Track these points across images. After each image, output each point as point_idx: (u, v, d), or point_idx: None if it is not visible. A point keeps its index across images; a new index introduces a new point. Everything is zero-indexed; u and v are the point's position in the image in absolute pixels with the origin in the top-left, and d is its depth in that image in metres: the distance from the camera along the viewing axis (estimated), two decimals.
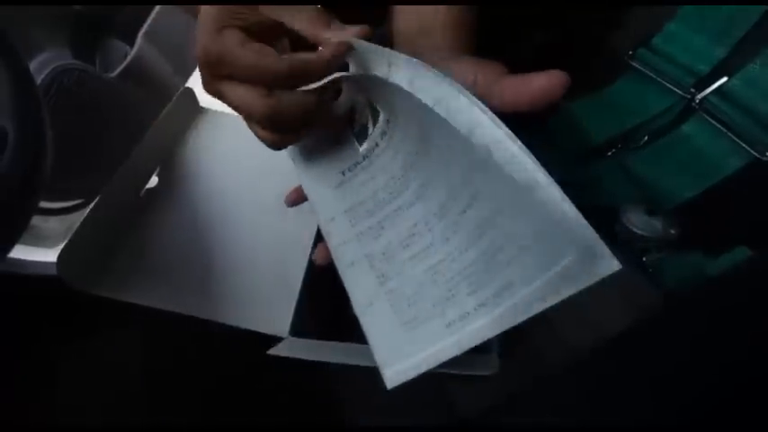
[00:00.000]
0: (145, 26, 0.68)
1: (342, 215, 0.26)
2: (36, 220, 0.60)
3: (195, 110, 0.43)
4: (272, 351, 0.29)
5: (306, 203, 0.38)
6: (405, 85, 0.21)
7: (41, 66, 0.56)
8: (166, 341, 0.49)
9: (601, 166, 0.46)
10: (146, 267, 0.34)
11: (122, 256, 0.34)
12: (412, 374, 0.22)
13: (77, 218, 0.70)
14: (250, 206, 0.39)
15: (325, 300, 0.35)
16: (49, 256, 0.62)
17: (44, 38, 0.58)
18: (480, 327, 0.20)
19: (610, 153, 0.46)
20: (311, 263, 0.35)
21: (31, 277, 0.54)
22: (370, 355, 0.30)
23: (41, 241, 0.66)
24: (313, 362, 0.33)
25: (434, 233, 0.22)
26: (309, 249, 0.36)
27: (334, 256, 0.26)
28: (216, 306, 0.33)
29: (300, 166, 0.29)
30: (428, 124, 0.21)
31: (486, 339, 0.20)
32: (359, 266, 0.25)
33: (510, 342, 0.36)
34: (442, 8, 0.28)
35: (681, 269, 0.38)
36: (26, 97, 0.24)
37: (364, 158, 0.26)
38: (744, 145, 0.36)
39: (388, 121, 0.25)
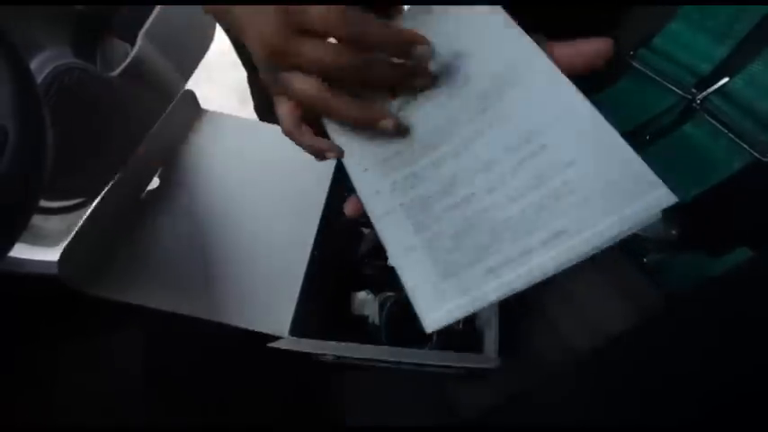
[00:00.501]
0: (146, 25, 0.68)
1: (376, 165, 0.27)
2: (36, 220, 0.60)
3: (196, 112, 0.43)
4: (272, 344, 0.29)
5: (305, 206, 0.38)
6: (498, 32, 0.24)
7: (42, 65, 0.56)
8: (166, 341, 0.49)
9: None
10: (146, 268, 0.34)
11: (123, 257, 0.34)
12: (451, 319, 0.22)
13: (78, 217, 0.70)
14: (250, 207, 0.39)
15: (324, 300, 0.35)
16: (50, 255, 0.62)
17: (45, 37, 0.58)
18: (523, 273, 0.21)
19: None
20: (311, 263, 0.35)
21: (31, 276, 0.54)
22: (368, 351, 0.30)
23: (42, 240, 0.66)
24: (313, 362, 0.33)
25: (478, 183, 0.23)
26: (309, 250, 0.36)
27: (366, 206, 0.26)
28: (216, 306, 0.33)
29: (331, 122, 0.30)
30: (502, 81, 0.24)
31: (527, 286, 0.21)
32: (394, 216, 0.25)
33: (510, 342, 0.36)
34: None
35: (681, 270, 0.38)
36: (27, 96, 0.24)
37: (398, 111, 0.27)
38: (745, 145, 0.36)
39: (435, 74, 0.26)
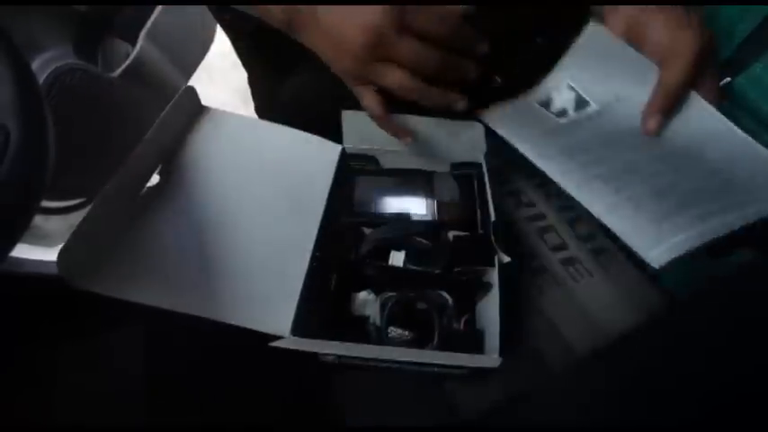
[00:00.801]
0: (147, 26, 0.68)
1: (558, 154, 0.33)
2: (37, 219, 0.60)
3: (197, 108, 0.42)
4: (274, 343, 0.29)
5: (306, 205, 0.38)
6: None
7: (43, 65, 0.56)
8: (167, 340, 0.49)
9: None
10: (146, 266, 0.34)
11: (123, 255, 0.34)
12: (674, 255, 0.26)
13: (78, 217, 0.70)
14: (251, 204, 0.39)
15: (325, 300, 0.35)
16: (50, 254, 0.62)
17: (47, 37, 0.58)
18: (718, 225, 0.27)
19: None
20: (312, 263, 0.35)
21: (31, 276, 0.54)
22: (370, 350, 0.30)
23: (42, 240, 0.66)
24: (314, 363, 0.33)
25: (661, 168, 0.31)
26: (311, 249, 0.36)
27: (560, 183, 0.32)
28: (216, 305, 0.33)
29: (504, 126, 0.37)
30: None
31: (724, 234, 0.27)
32: (589, 185, 0.30)
33: (511, 342, 0.36)
34: None
35: (683, 270, 0.38)
36: (29, 96, 0.24)
37: (567, 126, 0.35)
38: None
39: (598, 111, 0.35)
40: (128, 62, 0.66)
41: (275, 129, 0.43)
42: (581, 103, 0.36)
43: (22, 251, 0.56)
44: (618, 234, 0.28)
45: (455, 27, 0.32)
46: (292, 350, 0.29)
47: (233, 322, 0.32)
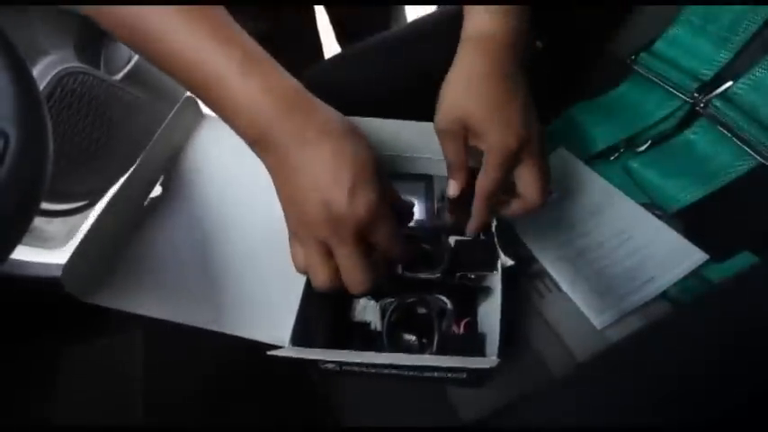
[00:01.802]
0: None
1: (533, 231, 0.43)
2: (39, 222, 0.60)
3: (197, 117, 0.42)
4: (272, 352, 0.29)
5: None
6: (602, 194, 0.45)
7: (46, 69, 0.57)
8: (167, 344, 0.49)
9: (606, 170, 0.46)
10: (150, 278, 0.34)
11: (127, 267, 0.34)
12: (609, 321, 0.37)
13: (80, 220, 0.71)
14: (252, 213, 0.39)
15: (325, 308, 0.35)
16: (52, 257, 0.62)
17: (49, 41, 0.59)
18: (637, 299, 0.37)
19: (613, 157, 0.46)
20: None
21: (33, 278, 0.54)
22: (371, 357, 0.30)
23: (44, 243, 0.66)
24: (313, 368, 0.33)
25: (600, 252, 0.42)
26: None
27: (539, 258, 0.42)
28: (217, 316, 0.33)
29: None
30: (605, 206, 0.44)
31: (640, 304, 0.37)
32: (556, 264, 0.41)
33: (511, 346, 0.36)
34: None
35: (684, 278, 0.38)
36: (28, 101, 0.24)
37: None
38: (748, 150, 0.36)
39: (560, 198, 0.45)
40: (130, 66, 0.67)
41: None
42: None
43: (24, 254, 0.56)
44: (577, 303, 0.39)
45: (399, 253, 0.31)
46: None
47: (234, 333, 0.32)
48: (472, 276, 0.35)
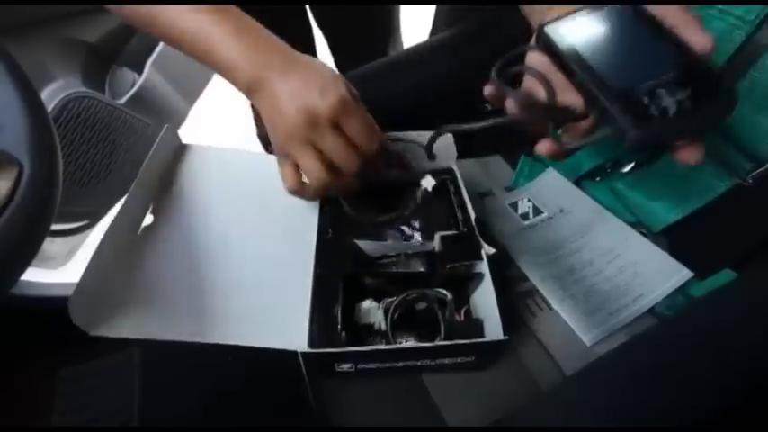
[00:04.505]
0: (153, 55, 0.71)
1: (525, 251, 0.45)
2: None
3: (179, 147, 0.45)
4: (302, 350, 0.32)
5: (298, 227, 0.40)
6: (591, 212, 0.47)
7: (53, 94, 0.59)
8: (165, 364, 0.50)
9: (593, 190, 0.47)
10: (159, 304, 0.35)
11: (133, 296, 0.35)
12: (598, 338, 0.38)
13: (80, 240, 0.72)
14: (246, 232, 0.40)
15: (333, 312, 0.35)
16: (53, 276, 0.63)
17: (57, 67, 0.61)
18: (626, 316, 0.38)
19: (599, 178, 0.48)
20: (316, 280, 0.36)
21: (32, 298, 0.54)
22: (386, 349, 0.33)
23: (45, 262, 0.67)
24: (328, 372, 0.34)
25: (589, 270, 0.43)
26: (311, 265, 0.37)
27: (529, 277, 0.43)
28: (233, 330, 0.34)
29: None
30: (593, 225, 0.46)
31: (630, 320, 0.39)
32: (546, 282, 0.42)
33: (499, 358, 0.37)
34: None
35: (669, 295, 0.39)
36: (42, 134, 0.25)
37: (529, 227, 0.48)
38: (727, 171, 0.37)
39: (549, 218, 0.48)
40: (134, 90, 0.69)
41: (257, 157, 0.45)
42: (537, 210, 0.49)
43: (26, 273, 0.57)
44: (567, 321, 0.40)
45: (377, 147, 0.35)
46: (282, 364, 0.30)
47: (251, 344, 0.32)
48: (461, 265, 0.38)
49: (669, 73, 0.24)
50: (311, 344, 0.32)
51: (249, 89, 0.35)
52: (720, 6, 0.37)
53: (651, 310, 0.38)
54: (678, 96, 0.23)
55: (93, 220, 0.68)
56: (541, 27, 0.29)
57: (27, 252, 0.25)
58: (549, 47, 0.29)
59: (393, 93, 0.52)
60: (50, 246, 0.63)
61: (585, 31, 0.28)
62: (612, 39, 0.28)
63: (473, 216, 0.40)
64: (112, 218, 0.35)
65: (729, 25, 0.36)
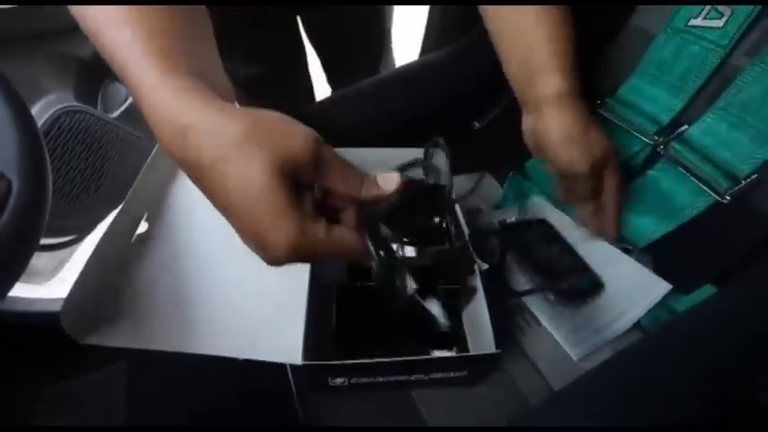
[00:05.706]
0: None
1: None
2: None
3: (173, 163, 0.45)
4: (294, 363, 0.31)
5: None
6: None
7: (45, 107, 0.59)
8: (150, 379, 0.49)
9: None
10: (149, 313, 0.35)
11: (124, 305, 0.35)
12: (585, 352, 0.39)
13: (67, 254, 0.71)
14: (238, 242, 0.41)
15: (330, 322, 0.35)
16: (38, 292, 0.62)
17: (49, 82, 0.61)
18: (610, 333, 0.40)
19: None
20: (311, 292, 0.36)
21: (16, 313, 0.53)
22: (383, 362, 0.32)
23: (30, 277, 0.66)
24: (321, 387, 0.34)
25: None
26: (307, 276, 0.37)
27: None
28: (226, 342, 0.34)
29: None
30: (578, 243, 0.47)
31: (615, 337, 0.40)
32: (536, 298, 0.43)
33: (487, 370, 0.37)
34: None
35: (652, 310, 0.39)
36: (31, 150, 0.25)
37: None
38: (705, 188, 0.38)
39: None
40: (126, 104, 0.69)
41: None
42: None
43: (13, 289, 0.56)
44: (555, 337, 0.40)
45: (362, 248, 0.28)
46: (274, 377, 0.30)
47: (244, 357, 0.32)
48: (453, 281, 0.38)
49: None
50: (305, 357, 0.32)
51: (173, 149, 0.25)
52: (695, 31, 0.39)
53: (638, 325, 0.39)
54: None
55: (82, 234, 0.67)
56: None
57: (15, 269, 0.25)
58: None
59: (385, 110, 0.53)
60: (37, 261, 0.62)
61: None
62: None
63: (467, 232, 0.40)
64: (105, 228, 0.35)
65: (704, 49, 0.38)
